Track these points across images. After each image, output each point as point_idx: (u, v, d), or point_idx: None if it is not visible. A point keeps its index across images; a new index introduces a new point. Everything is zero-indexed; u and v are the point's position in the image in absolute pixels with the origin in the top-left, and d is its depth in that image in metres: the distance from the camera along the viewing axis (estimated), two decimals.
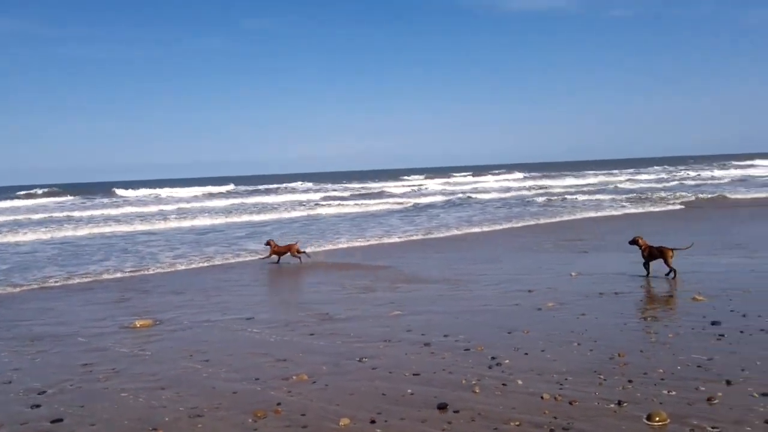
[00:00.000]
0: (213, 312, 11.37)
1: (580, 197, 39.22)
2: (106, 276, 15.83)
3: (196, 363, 8.25)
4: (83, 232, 27.57)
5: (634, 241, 13.22)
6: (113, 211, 40.58)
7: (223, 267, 16.96)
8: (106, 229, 28.43)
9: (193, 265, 17.23)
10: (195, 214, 35.98)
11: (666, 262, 12.64)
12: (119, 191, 70.27)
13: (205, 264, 17.42)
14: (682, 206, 31.66)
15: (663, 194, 38.34)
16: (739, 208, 29.69)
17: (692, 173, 71.09)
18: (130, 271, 16.41)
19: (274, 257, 17.34)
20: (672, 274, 12.52)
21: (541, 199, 39.24)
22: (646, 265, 12.95)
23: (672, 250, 12.72)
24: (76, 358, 8.69)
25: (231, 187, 78.01)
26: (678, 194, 37.95)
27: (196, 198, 58.69)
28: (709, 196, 36.63)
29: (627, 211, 30.09)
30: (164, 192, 68.11)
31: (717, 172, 69.35)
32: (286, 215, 34.56)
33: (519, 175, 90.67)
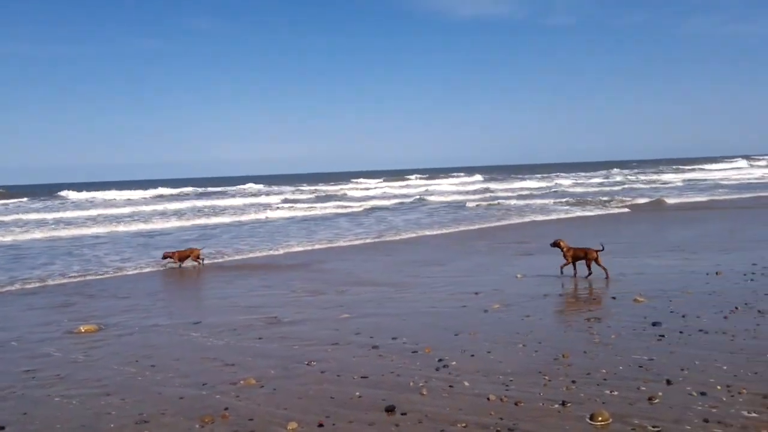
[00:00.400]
0: (159, 316, 11.24)
1: (528, 201, 39.61)
2: (50, 281, 15.47)
3: (142, 368, 8.14)
4: (29, 236, 26.76)
5: (555, 244, 13.62)
6: (61, 214, 39.47)
7: (170, 271, 16.76)
8: (53, 233, 27.62)
9: (140, 270, 16.98)
10: (144, 218, 35.38)
11: (588, 262, 13.13)
12: (67, 193, 68.70)
13: (152, 268, 17.18)
14: (628, 209, 32.34)
15: (605, 198, 39.01)
16: (680, 212, 30.46)
17: (643, 177, 72.74)
18: (75, 276, 16.08)
19: (177, 262, 17.18)
20: (590, 275, 13.10)
21: (487, 203, 39.52)
22: (571, 266, 13.47)
23: (597, 251, 13.18)
24: (19, 365, 8.51)
25: (184, 189, 76.75)
26: (619, 198, 38.58)
27: (145, 200, 57.63)
28: (648, 200, 37.37)
29: (575, 214, 30.60)
30: (114, 194, 66.66)
31: (665, 176, 71.25)
32: (244, 218, 34.02)
33: (479, 177, 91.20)
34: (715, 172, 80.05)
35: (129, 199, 59.64)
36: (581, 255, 13.29)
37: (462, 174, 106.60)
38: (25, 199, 63.31)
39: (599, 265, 13.09)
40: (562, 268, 13.52)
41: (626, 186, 56.01)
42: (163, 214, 37.93)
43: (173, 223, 31.88)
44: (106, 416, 6.53)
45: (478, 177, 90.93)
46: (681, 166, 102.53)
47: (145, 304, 12.30)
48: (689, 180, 62.57)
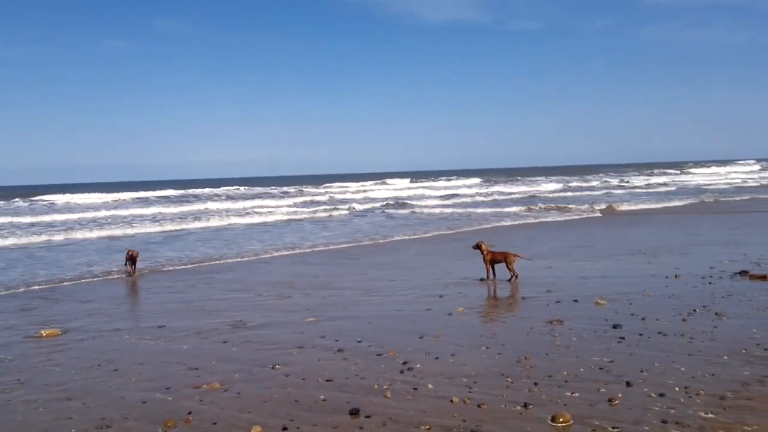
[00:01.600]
0: (123, 320, 11.13)
1: (487, 209, 39.27)
2: (11, 286, 15.19)
3: (104, 373, 8.08)
4: None
5: (476, 246, 13.92)
6: (24, 219, 38.16)
7: (134, 276, 16.56)
8: (16, 240, 26.74)
9: (105, 276, 16.75)
10: (113, 223, 34.49)
11: (508, 266, 13.47)
12: (35, 197, 66.74)
13: (119, 274, 16.97)
14: (600, 215, 32.71)
15: (572, 205, 38.99)
16: (640, 216, 30.95)
17: (637, 181, 73.47)
18: (39, 281, 15.80)
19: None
20: (513, 278, 13.38)
21: (456, 210, 39.44)
22: (491, 269, 13.76)
23: (515, 255, 13.59)
24: None
25: (154, 192, 74.82)
26: (573, 206, 38.60)
27: (113, 205, 56.03)
28: (601, 206, 37.26)
29: (544, 219, 30.94)
30: (81, 198, 64.86)
31: (657, 179, 72.64)
32: (213, 223, 33.30)
33: (476, 180, 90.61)
34: (699, 176, 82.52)
35: (98, 204, 57.74)
36: (500, 258, 13.63)
37: (454, 177, 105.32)
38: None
39: (509, 269, 13.48)
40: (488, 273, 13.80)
41: (605, 191, 56.47)
42: (133, 219, 37.19)
43: (142, 228, 31.10)
44: (67, 420, 6.48)
45: (476, 179, 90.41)
46: (668, 170, 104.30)
47: (109, 308, 12.17)
48: (676, 182, 64.16)
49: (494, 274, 13.74)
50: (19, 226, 33.39)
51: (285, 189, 77.94)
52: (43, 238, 26.86)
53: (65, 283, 15.34)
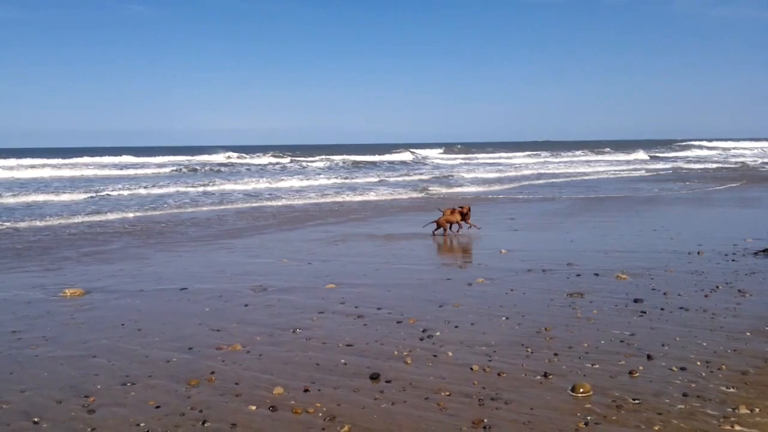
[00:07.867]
0: (146, 282, 11.25)
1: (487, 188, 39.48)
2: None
3: (128, 332, 8.19)
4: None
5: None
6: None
7: (156, 238, 16.72)
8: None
9: (130, 237, 16.93)
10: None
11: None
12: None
13: (144, 237, 17.13)
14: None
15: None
16: (662, 195, 30.71)
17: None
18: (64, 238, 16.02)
19: None
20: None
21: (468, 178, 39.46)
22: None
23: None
24: (5, 326, 8.53)
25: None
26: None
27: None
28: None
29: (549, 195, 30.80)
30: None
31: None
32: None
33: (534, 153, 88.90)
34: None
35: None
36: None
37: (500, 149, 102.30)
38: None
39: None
40: None
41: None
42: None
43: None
44: (93, 377, 6.59)
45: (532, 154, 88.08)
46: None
47: (132, 269, 12.30)
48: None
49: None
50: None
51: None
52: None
53: (88, 243, 15.48)
